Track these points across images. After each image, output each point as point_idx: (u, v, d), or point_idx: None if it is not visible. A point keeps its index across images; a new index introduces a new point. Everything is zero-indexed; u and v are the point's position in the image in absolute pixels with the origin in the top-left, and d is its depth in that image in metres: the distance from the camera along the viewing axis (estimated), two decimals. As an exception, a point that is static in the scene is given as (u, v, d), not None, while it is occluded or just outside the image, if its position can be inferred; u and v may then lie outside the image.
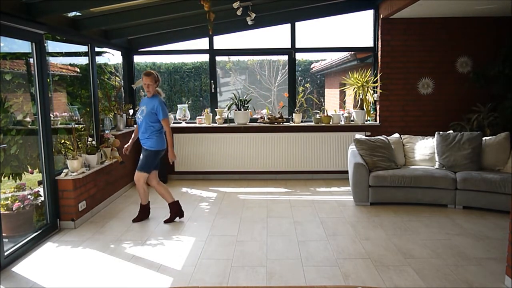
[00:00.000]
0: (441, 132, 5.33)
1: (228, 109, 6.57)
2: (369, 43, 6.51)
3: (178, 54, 7.03)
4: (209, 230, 4.28)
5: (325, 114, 6.46)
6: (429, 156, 5.32)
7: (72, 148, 4.51)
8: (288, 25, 6.43)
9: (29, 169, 4.68)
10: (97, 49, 5.32)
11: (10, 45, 4.29)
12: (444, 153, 5.15)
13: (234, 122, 6.46)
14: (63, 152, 4.51)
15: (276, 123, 6.43)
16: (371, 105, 6.44)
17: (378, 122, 6.39)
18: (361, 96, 6.31)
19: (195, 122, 6.59)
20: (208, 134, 6.45)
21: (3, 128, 4.28)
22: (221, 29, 6.18)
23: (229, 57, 7.43)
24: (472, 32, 6.09)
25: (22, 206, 4.05)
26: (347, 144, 6.23)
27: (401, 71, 6.25)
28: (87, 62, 5.16)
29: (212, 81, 6.58)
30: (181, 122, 6.58)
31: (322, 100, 7.64)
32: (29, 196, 4.15)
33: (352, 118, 6.40)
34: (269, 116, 6.46)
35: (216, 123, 6.52)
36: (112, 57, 6.31)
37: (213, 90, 6.59)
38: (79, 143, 4.64)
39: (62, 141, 4.63)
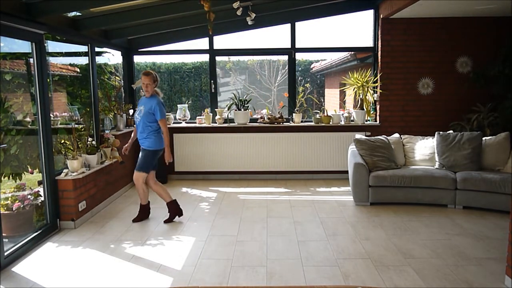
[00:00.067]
0: (441, 132, 5.33)
1: (228, 109, 6.57)
2: (369, 43, 6.51)
3: (178, 54, 7.04)
4: (209, 230, 4.29)
5: (325, 114, 6.46)
6: (429, 156, 5.32)
7: (72, 148, 4.51)
8: (288, 25, 6.43)
9: (29, 169, 4.68)
10: (97, 49, 5.32)
11: (10, 45, 4.29)
12: (444, 153, 5.15)
13: (234, 122, 6.46)
14: (63, 152, 4.51)
15: (276, 123, 6.43)
16: (371, 105, 6.44)
17: (378, 122, 6.39)
18: (361, 96, 6.31)
19: (195, 122, 6.59)
20: (208, 134, 6.45)
21: (3, 128, 4.28)
22: (221, 29, 6.18)
23: (229, 57, 7.43)
24: (472, 32, 6.09)
25: (22, 206, 4.05)
26: (347, 144, 6.23)
27: (401, 71, 6.25)
28: (87, 62, 5.16)
29: (212, 81, 6.58)
30: (181, 122, 6.58)
31: (322, 100, 7.64)
32: (29, 196, 4.15)
33: (352, 118, 6.40)
34: (269, 116, 6.46)
35: (216, 123, 6.52)
36: (112, 57, 6.32)
37: (213, 90, 6.59)
38: (79, 143, 4.64)
39: (62, 141, 4.64)
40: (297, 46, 6.48)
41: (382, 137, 5.43)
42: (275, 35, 6.86)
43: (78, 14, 4.68)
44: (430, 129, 6.04)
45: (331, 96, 8.80)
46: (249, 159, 6.46)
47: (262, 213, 4.81)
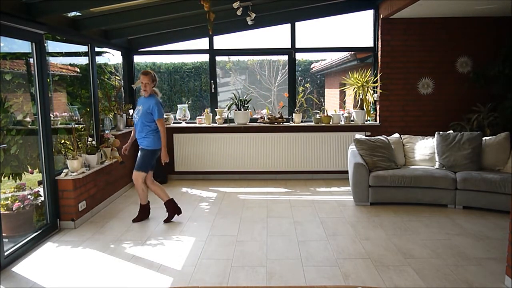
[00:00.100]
0: (441, 132, 5.33)
1: (228, 109, 6.57)
2: (369, 43, 6.51)
3: (178, 54, 7.03)
4: (209, 230, 4.28)
5: (325, 114, 6.46)
6: (429, 156, 5.32)
7: (72, 148, 4.51)
8: (288, 25, 6.43)
9: (29, 169, 4.68)
10: (97, 49, 5.32)
11: (10, 45, 4.29)
12: (444, 153, 5.15)
13: (234, 122, 6.46)
14: (63, 152, 4.51)
15: (276, 123, 6.43)
16: (371, 105, 6.44)
17: (378, 122, 6.39)
18: (361, 96, 6.31)
19: (195, 122, 6.59)
20: (208, 134, 6.44)
21: (3, 128, 4.28)
22: (221, 29, 6.18)
23: (229, 57, 7.43)
24: (472, 32, 6.09)
25: (22, 206, 4.05)
26: (347, 144, 6.23)
27: (401, 71, 6.25)
28: (87, 62, 5.16)
29: (212, 81, 6.58)
30: (181, 122, 6.58)
31: (322, 100, 7.65)
32: (29, 196, 4.15)
33: (352, 118, 6.40)
34: (269, 116, 6.46)
35: (216, 123, 6.52)
36: (112, 57, 6.32)
37: (213, 90, 6.59)
38: (79, 143, 4.64)
39: (62, 141, 4.64)
40: (297, 46, 6.48)
41: (382, 137, 5.43)
42: (275, 35, 6.87)
43: (78, 14, 4.68)
44: (430, 129, 6.04)
45: (331, 96, 8.80)
46: (249, 159, 6.46)
47: (262, 213, 4.81)
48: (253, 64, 7.64)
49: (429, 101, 6.27)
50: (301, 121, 6.51)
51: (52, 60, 5.06)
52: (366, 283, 3.09)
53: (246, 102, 6.45)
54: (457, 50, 6.16)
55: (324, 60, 8.33)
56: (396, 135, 5.65)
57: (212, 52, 6.53)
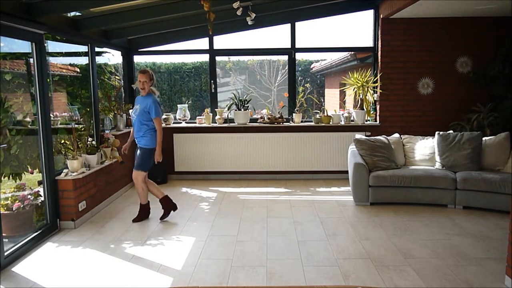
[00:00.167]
0: (441, 132, 5.33)
1: (228, 109, 6.57)
2: (369, 43, 6.51)
3: (178, 54, 7.03)
4: (209, 230, 4.28)
5: (325, 114, 6.46)
6: (429, 156, 5.32)
7: (72, 148, 4.51)
8: (288, 25, 6.43)
9: (29, 169, 4.68)
10: (97, 49, 5.32)
11: (10, 45, 4.29)
12: (444, 153, 5.15)
13: (234, 122, 6.46)
14: (63, 152, 4.51)
15: (276, 123, 6.43)
16: (371, 105, 6.44)
17: (378, 122, 6.39)
18: (361, 96, 6.31)
19: (195, 122, 6.59)
20: (208, 134, 6.44)
21: (3, 128, 4.28)
22: (221, 29, 6.18)
23: (229, 57, 7.43)
24: (472, 32, 6.09)
25: (22, 206, 4.05)
26: (347, 144, 6.23)
27: (401, 71, 6.25)
28: (87, 62, 5.16)
29: (212, 81, 6.58)
30: (181, 122, 6.58)
31: (322, 100, 7.65)
32: (29, 196, 4.15)
33: (352, 118, 6.40)
34: (269, 116, 6.46)
35: (216, 123, 6.52)
36: (112, 57, 6.32)
37: (213, 90, 6.59)
38: (79, 143, 4.64)
39: (62, 141, 4.64)
40: (297, 46, 6.48)
41: (382, 137, 5.43)
42: (275, 35, 6.87)
43: (78, 14, 4.68)
44: (430, 129, 6.04)
45: (331, 96, 8.80)
46: (249, 159, 6.46)
47: (262, 213, 4.81)
48: (253, 64, 7.65)
49: (429, 101, 6.27)
50: (301, 121, 6.50)
51: (52, 60, 5.06)
52: (366, 283, 3.09)
53: (246, 102, 6.45)
54: (457, 50, 6.16)
55: (324, 60, 8.33)
56: (396, 135, 5.65)
57: (212, 52, 6.53)
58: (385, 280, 3.15)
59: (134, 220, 4.60)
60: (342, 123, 6.41)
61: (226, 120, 6.55)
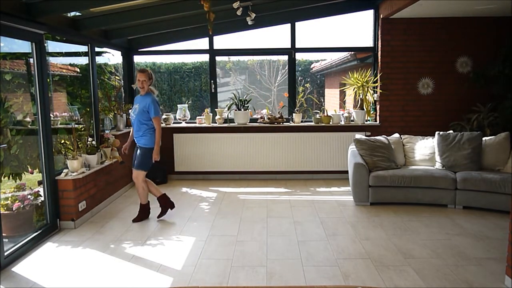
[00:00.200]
0: (441, 132, 5.33)
1: (228, 109, 6.57)
2: (369, 43, 6.51)
3: (178, 54, 7.04)
4: (209, 230, 4.29)
5: (325, 114, 6.46)
6: (429, 156, 5.32)
7: (72, 148, 4.51)
8: (288, 25, 6.43)
9: (29, 169, 4.68)
10: (97, 49, 5.32)
11: (10, 45, 4.29)
12: (444, 153, 5.15)
13: (234, 122, 6.46)
14: (63, 152, 4.51)
15: (276, 123, 6.43)
16: (371, 105, 6.44)
17: (378, 122, 6.39)
18: (361, 96, 6.31)
19: (195, 122, 6.59)
20: (208, 134, 6.44)
21: (3, 128, 4.28)
22: (221, 29, 6.18)
23: (229, 57, 7.43)
24: (472, 32, 6.09)
25: (22, 206, 4.05)
26: (347, 144, 6.23)
27: (401, 71, 6.25)
28: (87, 62, 5.16)
29: (212, 81, 6.58)
30: (181, 122, 6.58)
31: (322, 100, 7.65)
32: (29, 196, 4.15)
33: (352, 118, 6.40)
34: (269, 116, 6.46)
35: (216, 123, 6.52)
36: (112, 57, 6.32)
37: (213, 90, 6.59)
38: (79, 143, 4.64)
39: (62, 141, 4.64)
40: (297, 46, 6.48)
41: (382, 137, 5.43)
42: (275, 35, 6.87)
43: (78, 14, 4.68)
44: (430, 129, 6.04)
45: (331, 96, 8.80)
46: (249, 159, 6.46)
47: (262, 213, 4.81)
48: (253, 64, 7.65)
49: (429, 101, 6.27)
50: (301, 121, 6.50)
51: (52, 60, 5.06)
52: (366, 283, 3.09)
53: (246, 102, 6.45)
54: (457, 50, 6.16)
55: (324, 60, 8.33)
56: (396, 135, 5.65)
57: (212, 52, 6.53)
58: (385, 280, 3.15)
59: (134, 220, 4.60)
60: (342, 123, 6.41)
61: (226, 120, 6.55)
